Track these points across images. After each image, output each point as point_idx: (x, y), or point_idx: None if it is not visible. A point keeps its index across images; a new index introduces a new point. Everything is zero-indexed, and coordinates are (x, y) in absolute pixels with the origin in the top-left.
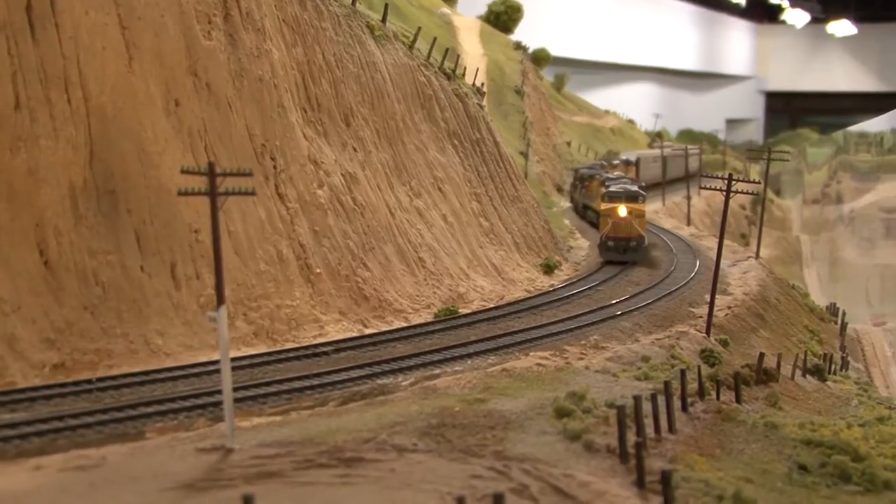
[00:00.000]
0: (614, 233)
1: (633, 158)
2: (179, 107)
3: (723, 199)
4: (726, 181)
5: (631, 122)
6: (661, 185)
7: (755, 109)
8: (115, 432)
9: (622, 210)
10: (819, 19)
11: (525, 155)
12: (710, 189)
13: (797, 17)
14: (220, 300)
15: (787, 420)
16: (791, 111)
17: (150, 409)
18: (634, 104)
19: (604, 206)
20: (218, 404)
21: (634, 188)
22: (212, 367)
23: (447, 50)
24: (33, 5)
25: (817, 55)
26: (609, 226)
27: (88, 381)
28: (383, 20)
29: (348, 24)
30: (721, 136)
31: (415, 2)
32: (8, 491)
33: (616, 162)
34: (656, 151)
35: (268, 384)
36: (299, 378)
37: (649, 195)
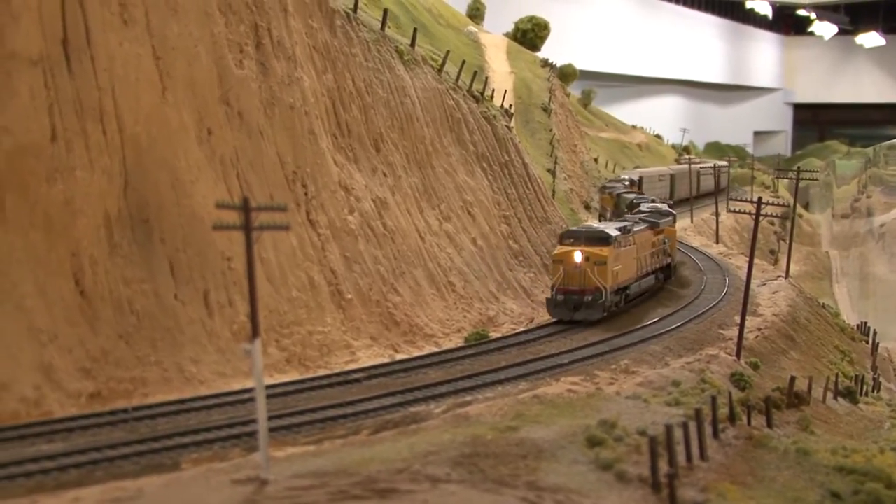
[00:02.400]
0: (564, 284)
1: (635, 178)
2: (212, 135)
3: (749, 215)
4: (755, 204)
5: (658, 137)
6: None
7: (783, 122)
8: (152, 463)
9: (577, 256)
10: (847, 31)
11: (552, 172)
12: (738, 212)
13: (825, 29)
14: (255, 333)
15: (819, 445)
16: (819, 123)
17: (185, 440)
18: (661, 118)
19: (558, 248)
20: (252, 434)
21: (602, 227)
22: (246, 396)
23: (475, 72)
24: (69, 38)
25: (845, 67)
26: (560, 275)
27: (125, 411)
28: (412, 44)
29: (377, 50)
30: (749, 149)
31: (442, 20)
32: None
33: (617, 183)
34: (662, 169)
35: (301, 413)
36: (332, 406)
37: (678, 212)
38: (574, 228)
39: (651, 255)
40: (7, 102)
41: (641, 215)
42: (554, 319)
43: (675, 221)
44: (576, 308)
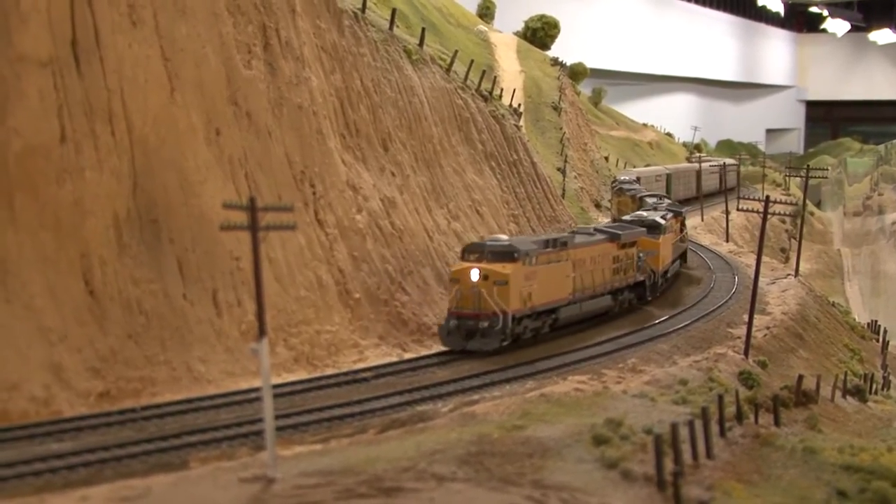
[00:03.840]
0: (458, 308)
1: (632, 178)
2: (220, 136)
3: (758, 214)
4: (763, 203)
5: (669, 135)
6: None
7: (795, 119)
8: (160, 462)
9: (473, 274)
10: (860, 28)
11: (563, 171)
12: (747, 211)
13: (838, 26)
14: (262, 332)
15: (827, 444)
16: (832, 121)
17: (193, 438)
18: (673, 115)
19: (457, 264)
20: (259, 433)
21: (511, 241)
22: (253, 395)
23: (484, 72)
24: (78, 40)
25: (859, 64)
26: (454, 296)
27: (133, 410)
28: (420, 44)
29: (386, 50)
30: (761, 147)
31: (452, 20)
32: None
33: (635, 184)
34: (658, 169)
35: (308, 412)
36: (339, 405)
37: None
38: (479, 241)
39: (607, 272)
40: (17, 104)
41: (609, 225)
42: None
43: (661, 232)
44: (469, 335)
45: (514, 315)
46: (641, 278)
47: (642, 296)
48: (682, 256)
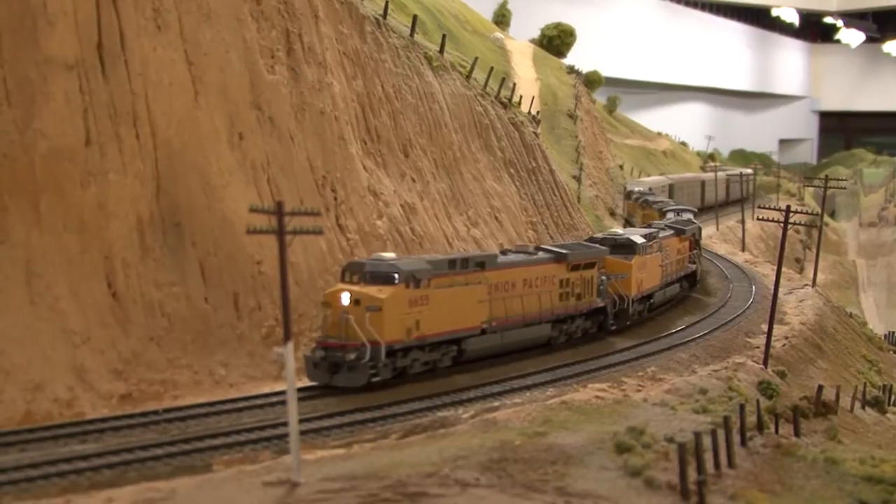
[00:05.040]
0: (325, 337)
1: (646, 189)
2: (243, 140)
3: (776, 223)
4: (784, 212)
5: (683, 144)
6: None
7: (809, 130)
8: (183, 465)
9: (343, 298)
10: (874, 38)
11: (578, 179)
12: (766, 220)
13: (852, 37)
14: (287, 337)
15: (848, 455)
16: (846, 131)
17: (216, 441)
18: (687, 125)
19: (332, 287)
20: (282, 436)
21: (395, 261)
22: (275, 398)
23: (503, 79)
24: (104, 43)
25: (873, 75)
26: (323, 323)
27: (155, 413)
28: (441, 51)
29: (407, 56)
30: (774, 157)
31: (468, 27)
32: None
33: (660, 197)
34: (661, 179)
35: (330, 416)
36: (360, 410)
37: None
38: (359, 260)
39: (550, 297)
40: (43, 106)
41: (560, 245)
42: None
43: (636, 253)
44: (335, 369)
45: (390, 346)
46: (602, 304)
47: (604, 325)
48: (690, 278)
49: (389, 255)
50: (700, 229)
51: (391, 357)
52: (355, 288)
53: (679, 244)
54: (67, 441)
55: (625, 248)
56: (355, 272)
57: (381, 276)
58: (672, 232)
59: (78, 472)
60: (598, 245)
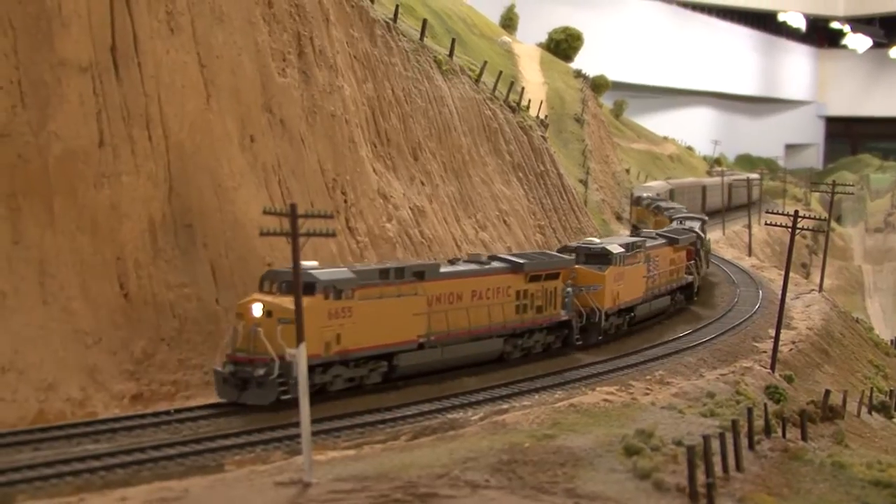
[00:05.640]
0: (236, 350)
1: (653, 194)
2: (255, 143)
3: (783, 228)
4: (792, 217)
5: (690, 148)
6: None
7: (815, 135)
8: (196, 464)
9: (255, 309)
10: (881, 44)
11: (585, 183)
12: (774, 225)
13: (859, 42)
14: (300, 338)
15: (855, 459)
16: (852, 136)
17: (228, 442)
18: (693, 129)
19: (248, 297)
20: (293, 437)
21: (311, 269)
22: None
23: (512, 83)
24: (117, 46)
25: (879, 80)
26: (234, 335)
27: (167, 413)
28: (450, 54)
29: (416, 60)
30: (780, 162)
31: (476, 30)
32: None
33: (673, 204)
34: (661, 184)
35: (340, 418)
36: (370, 412)
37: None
38: (280, 268)
39: (503, 310)
40: (57, 108)
41: (519, 254)
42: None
43: (611, 264)
44: (243, 385)
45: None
46: (566, 318)
47: (568, 339)
48: (687, 290)
49: (311, 263)
50: (701, 238)
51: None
52: (268, 298)
53: (673, 254)
54: (80, 440)
55: (599, 258)
56: (273, 281)
57: (307, 287)
58: (664, 241)
59: (91, 472)
60: (563, 255)
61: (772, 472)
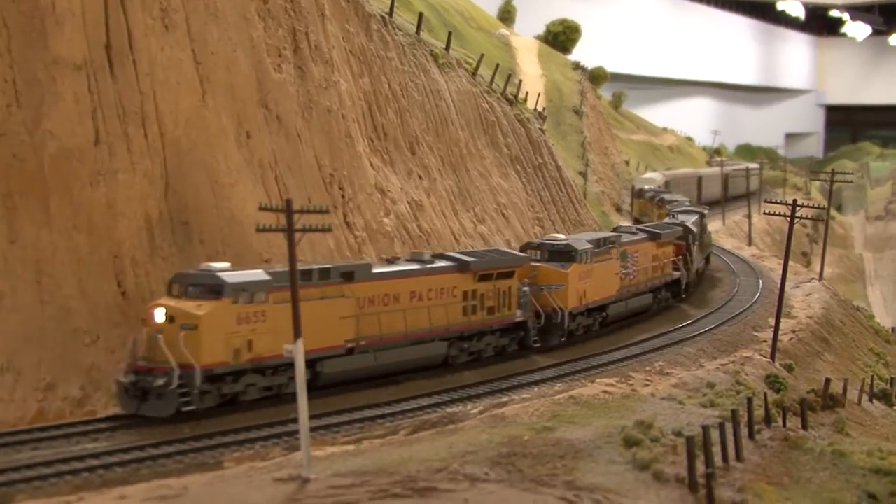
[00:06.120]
0: (136, 359)
1: (655, 187)
2: (251, 139)
3: (783, 217)
4: (791, 206)
5: (689, 139)
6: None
7: (815, 123)
8: (195, 462)
9: (157, 314)
10: (881, 31)
11: (584, 175)
12: (773, 214)
13: (858, 30)
14: (297, 334)
15: (855, 447)
16: (852, 125)
17: (227, 439)
18: (692, 119)
19: (151, 303)
20: (291, 433)
21: (217, 271)
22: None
23: (509, 76)
24: (112, 43)
25: (879, 68)
26: (135, 343)
27: None
28: (447, 48)
29: (413, 54)
30: (781, 151)
31: (473, 23)
32: None
33: (676, 196)
34: (656, 176)
35: (339, 413)
36: (370, 407)
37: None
38: (189, 270)
39: (447, 311)
40: (52, 106)
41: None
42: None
43: (575, 261)
44: (143, 396)
45: (210, 370)
46: (521, 319)
47: (525, 341)
48: (673, 287)
49: (222, 264)
50: (692, 232)
51: (215, 382)
52: (170, 303)
53: (656, 249)
54: (80, 439)
55: (562, 255)
56: (181, 284)
57: (205, 289)
58: (644, 236)
59: (90, 470)
60: (518, 252)
61: (772, 462)
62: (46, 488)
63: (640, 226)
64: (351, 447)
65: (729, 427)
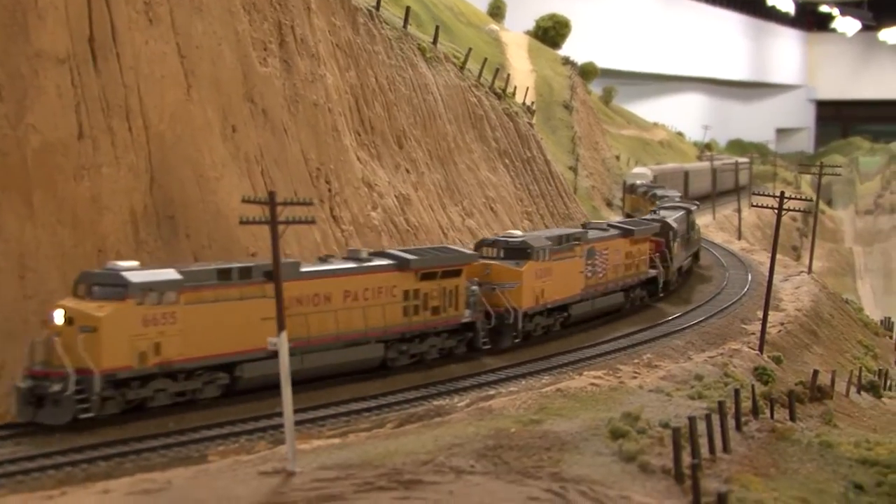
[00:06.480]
0: (33, 363)
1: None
2: (236, 133)
3: (773, 211)
4: (778, 199)
5: (680, 134)
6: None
7: (805, 119)
8: (179, 456)
9: (56, 315)
10: (870, 27)
11: (574, 170)
12: (761, 206)
13: (848, 26)
14: (281, 326)
15: (843, 438)
16: (842, 120)
17: (211, 433)
18: (683, 115)
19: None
20: (277, 427)
21: (120, 270)
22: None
23: (497, 70)
24: (95, 37)
25: (869, 63)
26: (34, 347)
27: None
28: (434, 42)
29: (400, 47)
30: (772, 147)
31: (463, 18)
32: None
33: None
34: (644, 171)
35: (325, 406)
36: (356, 400)
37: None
38: (96, 270)
39: (386, 312)
40: (35, 100)
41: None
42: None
43: (531, 258)
44: (39, 402)
45: (112, 375)
46: (470, 320)
47: (474, 343)
48: (649, 285)
49: (129, 263)
50: (674, 230)
51: (119, 388)
52: (71, 304)
53: (630, 247)
54: (63, 434)
55: (517, 252)
56: (85, 284)
57: (109, 290)
58: (617, 233)
59: (73, 465)
60: (464, 249)
61: (759, 453)
62: (29, 483)
63: (613, 222)
64: (336, 440)
65: (716, 418)
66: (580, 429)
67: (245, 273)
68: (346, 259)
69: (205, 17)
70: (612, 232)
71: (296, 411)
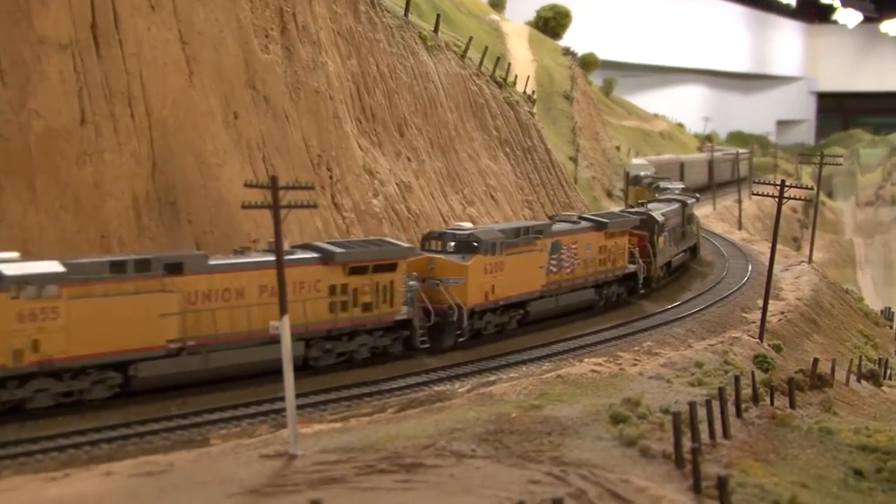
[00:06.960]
0: None
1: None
2: (238, 119)
3: (773, 202)
4: (779, 187)
5: (680, 125)
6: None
7: (806, 110)
8: (182, 439)
9: None
10: (871, 18)
11: (575, 160)
12: (762, 195)
13: (849, 17)
14: (283, 310)
15: (842, 425)
16: (843, 112)
17: (213, 416)
18: (684, 107)
19: None
20: (279, 411)
21: (21, 264)
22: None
23: (498, 58)
24: (98, 23)
25: (870, 55)
26: None
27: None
28: (435, 30)
29: (401, 36)
30: (772, 138)
31: (463, 8)
32: (80, 496)
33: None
34: (642, 162)
35: (327, 391)
36: (357, 385)
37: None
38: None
39: (309, 308)
40: (37, 86)
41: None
42: None
43: (478, 253)
44: None
45: None
46: (406, 317)
47: (410, 341)
48: (627, 281)
49: (7, 254)
50: (658, 224)
51: None
52: None
53: (604, 241)
54: (66, 417)
55: (464, 245)
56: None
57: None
58: (588, 225)
59: (76, 447)
60: (400, 242)
61: (759, 439)
62: (32, 464)
63: (586, 214)
64: (338, 424)
65: (716, 405)
66: (581, 414)
67: (143, 266)
68: (266, 251)
69: (206, 3)
70: (583, 225)
71: (297, 396)
